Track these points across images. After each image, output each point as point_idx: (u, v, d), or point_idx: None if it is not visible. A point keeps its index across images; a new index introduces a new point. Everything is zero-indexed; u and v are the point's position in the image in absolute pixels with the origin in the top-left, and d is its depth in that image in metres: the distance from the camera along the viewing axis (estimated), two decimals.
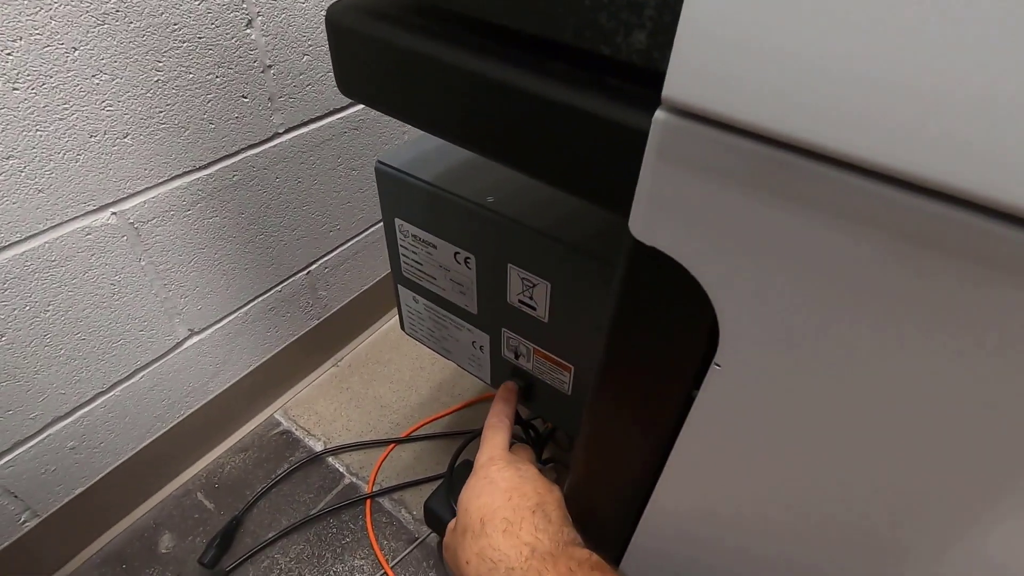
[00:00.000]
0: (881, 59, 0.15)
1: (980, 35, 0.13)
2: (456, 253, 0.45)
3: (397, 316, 0.65)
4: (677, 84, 0.18)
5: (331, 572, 0.70)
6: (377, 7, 0.27)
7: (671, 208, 0.21)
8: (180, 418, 0.75)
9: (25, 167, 0.49)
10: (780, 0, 0.15)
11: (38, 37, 0.46)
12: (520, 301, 0.43)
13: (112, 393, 0.65)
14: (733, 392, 0.24)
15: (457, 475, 0.62)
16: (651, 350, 0.26)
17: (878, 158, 0.16)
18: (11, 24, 0.45)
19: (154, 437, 0.72)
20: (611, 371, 0.29)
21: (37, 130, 0.49)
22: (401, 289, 0.54)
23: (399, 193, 0.45)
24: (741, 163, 0.18)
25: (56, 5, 0.46)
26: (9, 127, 0.47)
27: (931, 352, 0.19)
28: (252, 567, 0.70)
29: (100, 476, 0.68)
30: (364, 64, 0.27)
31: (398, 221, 0.47)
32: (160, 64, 0.55)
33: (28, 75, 0.47)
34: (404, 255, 0.50)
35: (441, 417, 0.87)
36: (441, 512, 0.60)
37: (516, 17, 0.22)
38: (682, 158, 0.20)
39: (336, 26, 0.28)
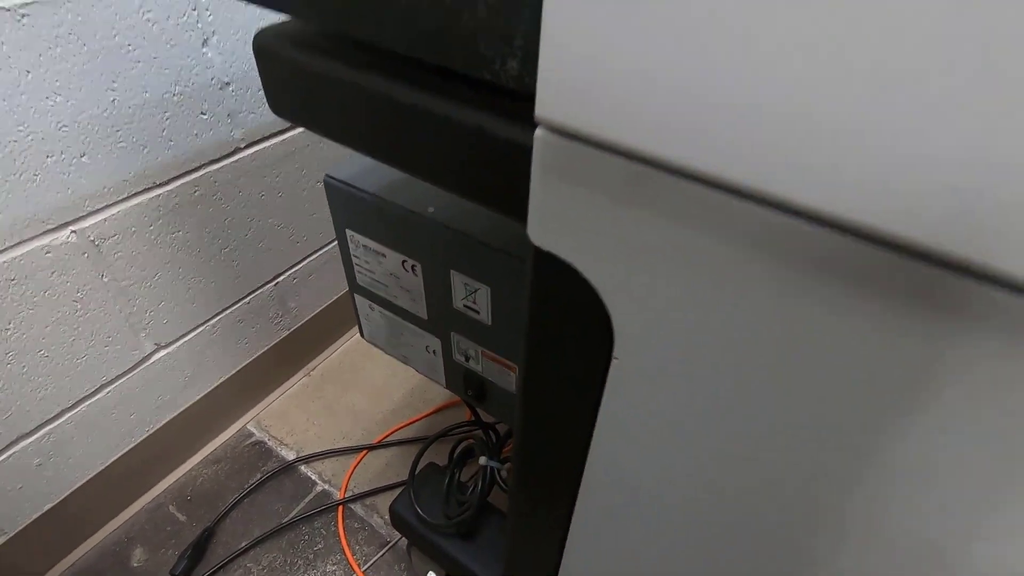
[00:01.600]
0: (716, 82, 0.17)
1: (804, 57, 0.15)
2: (404, 261, 0.46)
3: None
4: (543, 106, 0.20)
5: None
6: (298, 35, 0.29)
7: (559, 216, 0.23)
8: (150, 432, 0.75)
9: None
10: (623, 31, 0.17)
11: None
12: (465, 306, 0.45)
13: (78, 409, 0.66)
14: (632, 382, 0.26)
15: (419, 479, 0.63)
16: (561, 347, 0.28)
17: (716, 170, 0.18)
18: None
19: (124, 451, 0.73)
20: (530, 369, 0.31)
21: None
22: (357, 297, 0.55)
23: (348, 205, 0.47)
24: (609, 176, 0.20)
25: (7, 30, 0.48)
26: None
27: (787, 344, 0.21)
28: None
29: (69, 492, 0.69)
30: (287, 86, 0.29)
31: (349, 232, 0.49)
32: (115, 84, 0.56)
33: None
34: (357, 264, 0.51)
35: (413, 423, 0.88)
36: (406, 515, 0.61)
37: (415, 48, 0.24)
38: (561, 171, 0.22)
39: (262, 52, 0.29)
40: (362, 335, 0.59)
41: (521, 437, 0.36)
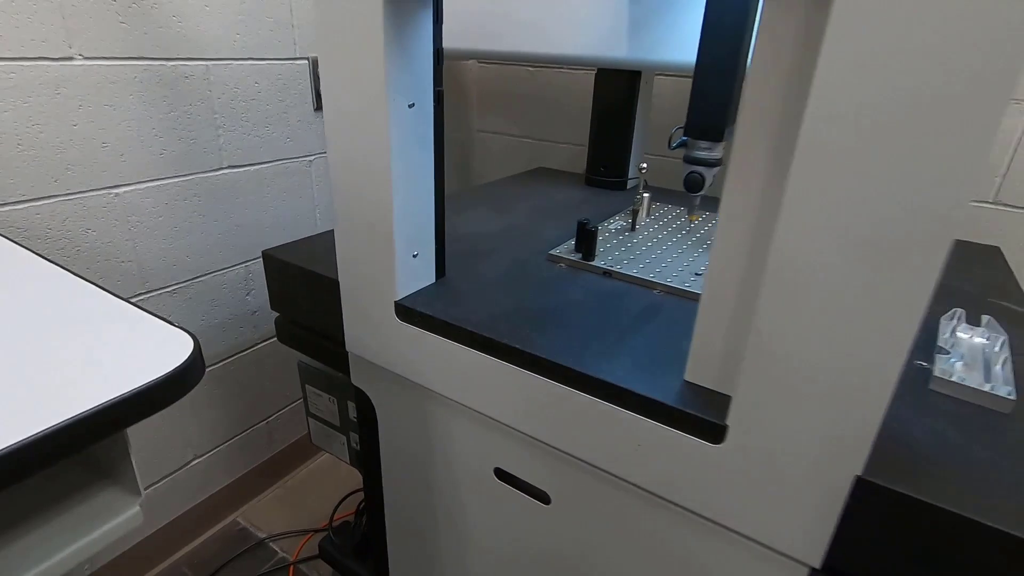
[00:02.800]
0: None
1: None
2: (327, 396, 1.00)
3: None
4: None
5: None
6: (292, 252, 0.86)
7: (364, 372, 0.78)
8: (178, 515, 1.21)
9: None
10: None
11: None
12: (352, 417, 0.97)
13: (156, 486, 1.13)
14: (386, 454, 0.79)
15: (337, 529, 1.09)
16: (365, 427, 0.81)
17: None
18: None
19: (159, 527, 1.18)
20: (361, 443, 0.83)
21: None
22: (311, 420, 1.07)
23: (302, 369, 1.02)
24: (388, 380, 0.76)
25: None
26: None
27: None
28: None
29: (126, 548, 1.13)
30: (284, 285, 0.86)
31: (307, 385, 1.03)
32: None
33: None
34: (311, 400, 1.04)
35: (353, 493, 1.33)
36: (329, 548, 1.06)
37: None
38: (356, 362, 0.77)
39: (270, 260, 0.87)
40: (311, 440, 1.10)
41: (365, 487, 0.87)
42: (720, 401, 0.50)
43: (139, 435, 1.09)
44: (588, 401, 0.55)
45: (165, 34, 0.95)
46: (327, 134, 0.65)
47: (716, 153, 0.69)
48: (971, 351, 0.59)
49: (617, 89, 1.16)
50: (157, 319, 0.48)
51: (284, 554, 1.23)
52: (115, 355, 0.43)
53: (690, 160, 0.70)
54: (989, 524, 0.39)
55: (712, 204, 1.11)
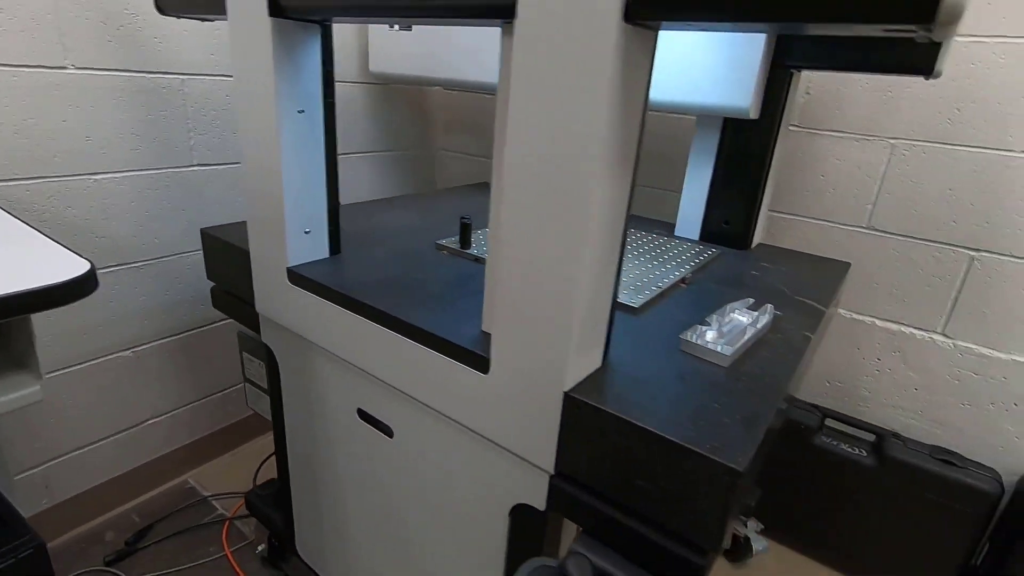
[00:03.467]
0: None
1: None
2: (253, 360, 1.16)
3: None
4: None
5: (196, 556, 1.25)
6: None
7: (269, 327, 0.94)
8: (135, 466, 1.36)
9: None
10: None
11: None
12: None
13: (111, 439, 1.29)
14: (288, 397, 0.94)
15: (263, 484, 1.23)
16: (272, 374, 0.97)
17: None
18: None
19: (119, 474, 1.33)
20: (271, 393, 0.98)
21: None
22: (247, 384, 1.23)
23: (240, 338, 1.18)
24: (284, 334, 0.92)
25: None
26: None
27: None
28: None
29: (86, 488, 1.28)
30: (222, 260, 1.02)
31: (244, 353, 1.19)
32: None
33: None
34: (246, 367, 1.20)
35: None
36: (254, 500, 1.20)
37: None
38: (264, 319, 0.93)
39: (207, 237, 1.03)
40: (247, 403, 1.25)
41: (275, 437, 1.02)
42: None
43: (102, 390, 1.25)
44: (411, 345, 0.70)
45: (147, 52, 1.15)
46: (240, 134, 0.82)
47: None
48: (729, 325, 0.72)
49: None
50: (72, 252, 0.64)
51: (223, 511, 1.37)
52: (30, 267, 0.59)
53: None
54: (640, 424, 0.52)
55: None
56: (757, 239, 1.15)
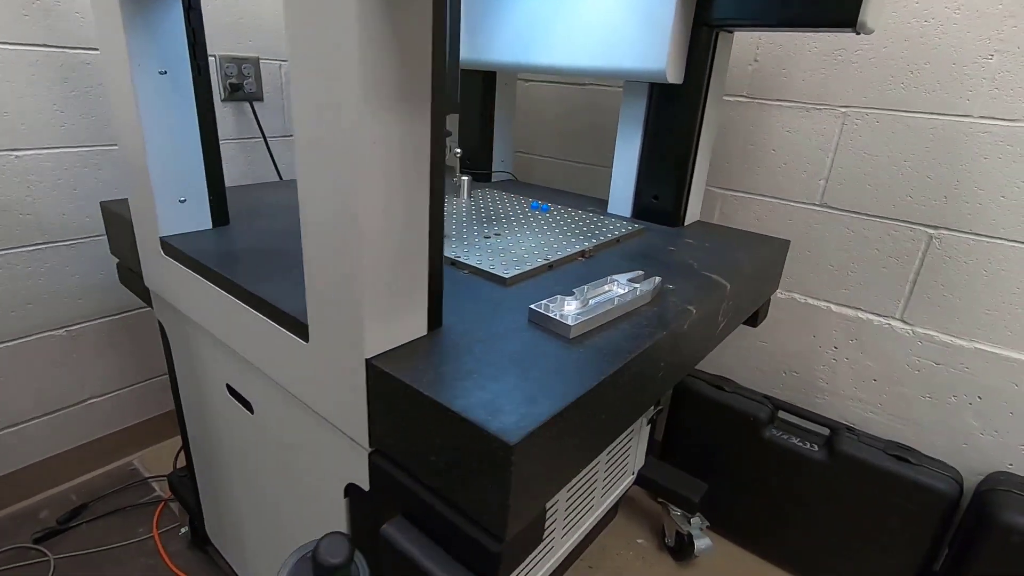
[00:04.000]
0: None
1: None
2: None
3: None
4: None
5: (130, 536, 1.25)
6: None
7: (160, 300, 0.91)
8: (82, 443, 1.36)
9: None
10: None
11: None
12: None
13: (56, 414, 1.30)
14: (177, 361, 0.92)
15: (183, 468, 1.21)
16: (165, 341, 0.94)
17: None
18: None
19: (64, 451, 1.34)
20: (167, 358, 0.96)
21: None
22: None
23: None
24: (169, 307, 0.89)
25: None
26: None
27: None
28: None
29: (23, 465, 1.29)
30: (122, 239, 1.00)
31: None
32: None
33: None
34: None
35: None
36: (174, 480, 1.18)
37: None
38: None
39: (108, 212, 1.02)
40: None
41: (176, 414, 1.00)
42: None
43: (35, 369, 1.26)
44: (252, 314, 0.66)
45: (67, 27, 1.14)
46: (109, 100, 0.80)
47: None
48: (599, 298, 0.66)
49: (476, 89, 1.28)
50: None
51: (161, 493, 1.37)
52: None
53: None
54: (423, 392, 0.47)
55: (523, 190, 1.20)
56: (692, 216, 1.07)
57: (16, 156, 1.13)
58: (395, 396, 0.50)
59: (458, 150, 1.06)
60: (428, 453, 0.49)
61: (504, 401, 0.47)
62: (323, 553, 0.42)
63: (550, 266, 0.79)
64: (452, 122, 1.72)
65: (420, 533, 0.54)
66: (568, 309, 0.62)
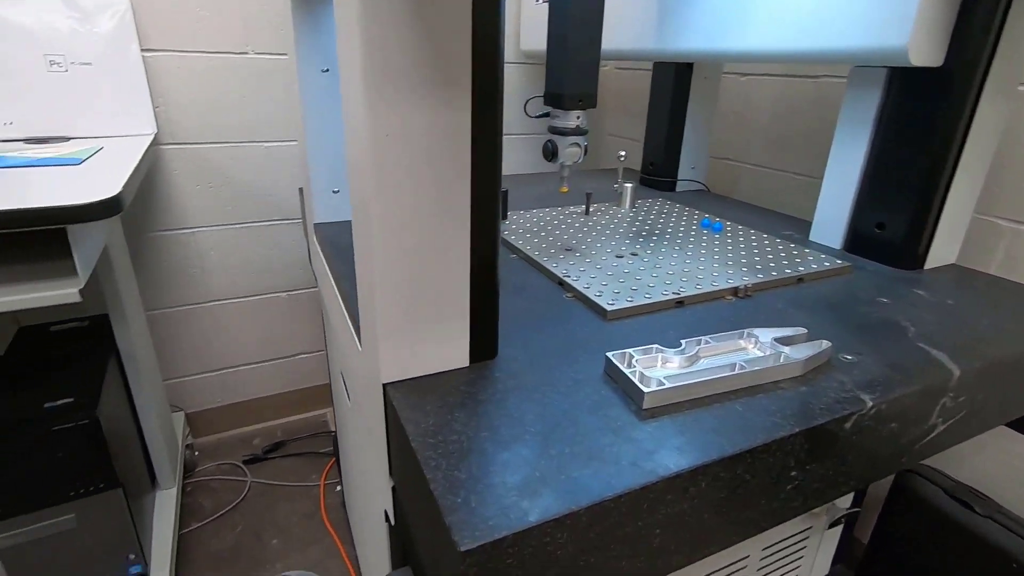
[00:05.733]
0: None
1: None
2: None
3: None
4: None
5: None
6: None
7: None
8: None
9: None
10: None
11: None
12: None
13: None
14: None
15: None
16: None
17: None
18: None
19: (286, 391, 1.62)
20: None
21: None
22: None
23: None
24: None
25: None
26: None
27: None
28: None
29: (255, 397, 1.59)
30: None
31: None
32: None
33: None
34: None
35: None
36: (335, 442, 1.31)
37: None
38: None
39: None
40: None
41: None
42: None
43: (263, 321, 1.53)
44: (339, 305, 0.65)
45: None
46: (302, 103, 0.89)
47: (569, 122, 0.68)
48: (713, 354, 0.48)
49: (667, 84, 1.11)
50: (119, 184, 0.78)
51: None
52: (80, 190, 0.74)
53: (549, 129, 0.71)
54: (410, 439, 0.38)
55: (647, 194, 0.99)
56: (941, 257, 0.75)
57: (265, 147, 1.37)
58: (398, 432, 0.43)
59: (622, 153, 0.93)
60: (416, 512, 0.41)
61: (496, 480, 0.35)
62: None
63: (679, 302, 0.62)
64: (634, 124, 1.55)
65: None
66: (659, 368, 0.47)
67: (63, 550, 0.89)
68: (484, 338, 0.48)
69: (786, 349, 0.49)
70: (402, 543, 0.52)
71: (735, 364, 0.46)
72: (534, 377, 0.47)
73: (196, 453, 1.50)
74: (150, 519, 1.14)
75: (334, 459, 1.50)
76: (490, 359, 0.49)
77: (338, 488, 1.37)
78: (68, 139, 1.13)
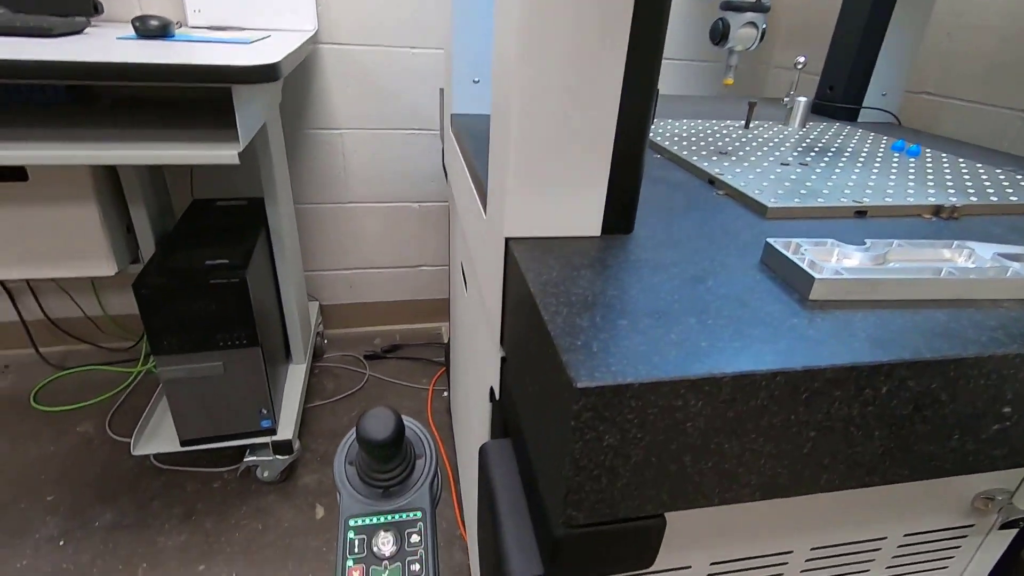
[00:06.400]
0: None
1: None
2: None
3: None
4: None
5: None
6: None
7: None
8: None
9: None
10: None
11: None
12: None
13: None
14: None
15: None
16: None
17: None
18: None
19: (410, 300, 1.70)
20: None
21: None
22: None
23: None
24: None
25: None
26: None
27: None
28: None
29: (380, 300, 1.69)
30: None
31: None
32: None
33: None
34: None
35: None
36: (448, 352, 1.35)
37: None
38: None
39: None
40: None
41: None
42: None
43: (392, 228, 1.59)
44: (468, 185, 0.63)
45: None
46: None
47: None
48: (908, 259, 0.38)
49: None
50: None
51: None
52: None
53: (722, 5, 0.60)
54: (531, 288, 0.35)
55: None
56: None
57: (413, 52, 1.38)
58: (517, 287, 0.39)
59: (801, 58, 0.79)
60: (525, 373, 0.38)
61: (623, 332, 0.30)
62: (366, 427, 0.37)
63: (861, 212, 0.51)
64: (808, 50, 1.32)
65: (514, 467, 0.43)
66: (834, 260, 0.38)
67: (211, 392, 1.01)
68: (621, 208, 0.43)
69: (1015, 264, 0.38)
70: (504, 419, 0.50)
71: (941, 270, 0.36)
72: (674, 255, 0.41)
73: (325, 341, 1.63)
74: (282, 385, 1.26)
75: (444, 368, 1.56)
76: (624, 233, 0.44)
77: (445, 394, 1.43)
78: (243, 29, 1.22)
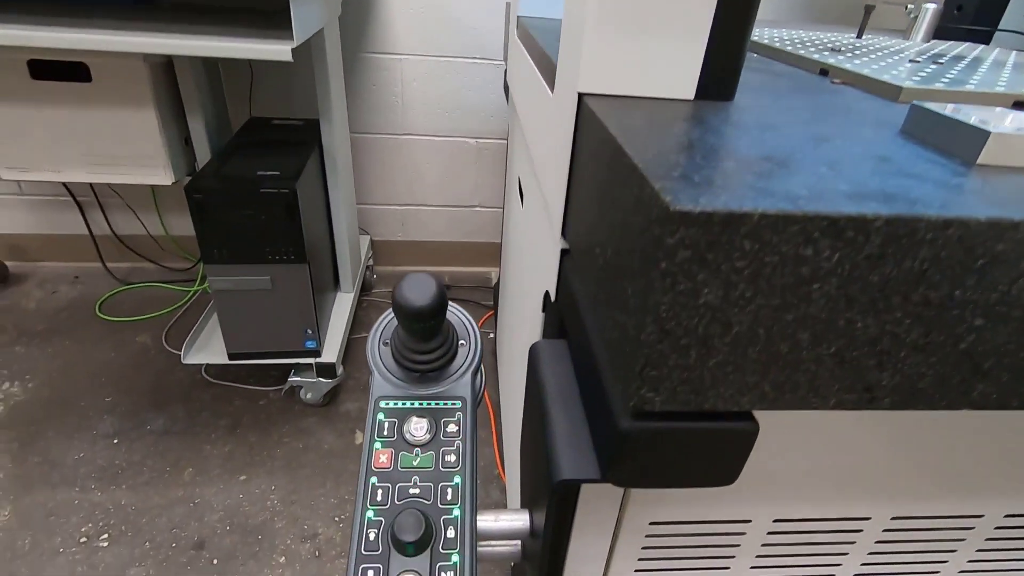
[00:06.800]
0: None
1: None
2: None
3: None
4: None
5: None
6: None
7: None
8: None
9: None
10: None
11: None
12: None
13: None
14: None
15: None
16: None
17: None
18: None
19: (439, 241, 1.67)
20: None
21: None
22: None
23: None
24: None
25: None
26: None
27: None
28: None
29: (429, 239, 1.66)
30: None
31: None
32: None
33: None
34: None
35: None
36: (496, 295, 1.30)
37: None
38: None
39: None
40: None
41: None
42: None
43: (448, 164, 1.54)
44: (532, 69, 0.56)
45: None
46: None
47: None
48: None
49: None
50: None
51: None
52: None
53: None
54: (612, 132, 0.28)
55: None
56: None
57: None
58: (589, 144, 0.33)
59: None
60: (595, 242, 0.31)
61: (732, 169, 0.24)
62: (403, 291, 0.32)
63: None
64: None
65: (569, 367, 0.37)
66: (1008, 122, 0.29)
67: (259, 305, 1.00)
68: (722, 66, 0.35)
69: None
70: (559, 320, 0.44)
71: None
72: (789, 119, 0.33)
73: (375, 276, 1.62)
74: (329, 312, 1.26)
75: (492, 312, 1.52)
76: (724, 100, 0.36)
77: (491, 335, 1.39)
78: None
